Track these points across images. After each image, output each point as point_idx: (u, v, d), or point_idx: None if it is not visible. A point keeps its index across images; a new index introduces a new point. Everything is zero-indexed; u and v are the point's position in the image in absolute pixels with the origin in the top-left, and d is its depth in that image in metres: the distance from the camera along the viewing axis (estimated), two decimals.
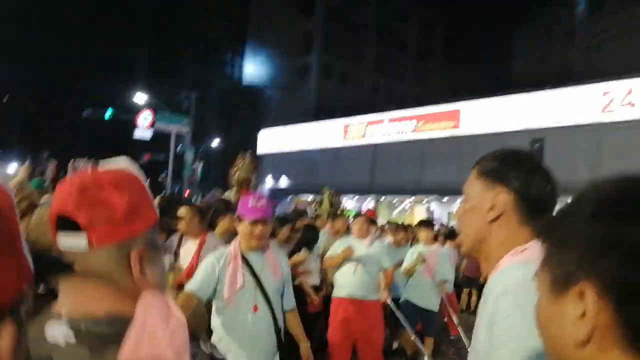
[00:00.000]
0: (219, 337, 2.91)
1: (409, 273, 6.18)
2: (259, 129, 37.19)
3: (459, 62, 67.72)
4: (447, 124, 24.13)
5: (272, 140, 34.40)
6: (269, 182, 33.95)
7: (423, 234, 6.47)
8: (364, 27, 56.03)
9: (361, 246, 5.24)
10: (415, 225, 7.62)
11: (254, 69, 57.60)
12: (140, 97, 24.95)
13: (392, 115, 27.37)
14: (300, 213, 7.85)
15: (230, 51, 61.07)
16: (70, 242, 0.89)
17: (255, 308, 2.93)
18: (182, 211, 4.61)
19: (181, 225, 4.55)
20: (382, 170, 27.04)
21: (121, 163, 1.02)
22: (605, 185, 0.62)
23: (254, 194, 3.56)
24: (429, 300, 6.16)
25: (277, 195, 31.72)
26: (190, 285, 2.92)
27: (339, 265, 5.22)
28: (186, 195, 26.36)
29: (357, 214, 8.30)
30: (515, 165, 1.29)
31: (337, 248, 5.37)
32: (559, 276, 0.61)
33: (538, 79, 43.07)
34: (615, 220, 0.57)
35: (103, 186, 0.92)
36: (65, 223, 0.89)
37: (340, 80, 54.59)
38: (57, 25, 55.43)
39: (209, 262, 3.00)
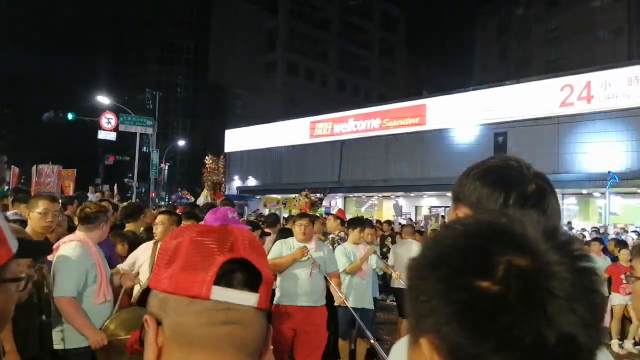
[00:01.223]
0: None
1: (351, 272, 5.94)
2: (225, 128, 36.93)
3: (421, 58, 68.67)
4: (412, 120, 24.47)
5: (238, 139, 34.22)
6: (236, 181, 33.80)
7: (351, 234, 6.25)
8: (328, 24, 56.22)
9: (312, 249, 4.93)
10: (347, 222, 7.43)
11: (218, 68, 57.10)
12: (103, 99, 24.51)
13: (359, 112, 27.60)
14: (277, 218, 7.83)
15: (194, 51, 60.34)
16: None
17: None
18: (161, 218, 4.55)
19: (158, 233, 4.51)
20: (349, 167, 27.24)
21: None
22: (435, 241, 0.58)
23: None
24: (362, 299, 6.00)
25: (245, 194, 31.62)
26: None
27: (284, 269, 4.87)
28: (153, 196, 26.01)
29: (328, 213, 8.36)
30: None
31: (278, 249, 4.99)
32: (411, 325, 0.58)
33: (498, 74, 44.03)
34: (442, 278, 0.53)
35: None
36: None
37: (306, 78, 54.66)
38: (17, 28, 53.89)
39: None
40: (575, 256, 0.52)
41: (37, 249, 1.19)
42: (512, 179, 1.08)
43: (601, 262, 7.95)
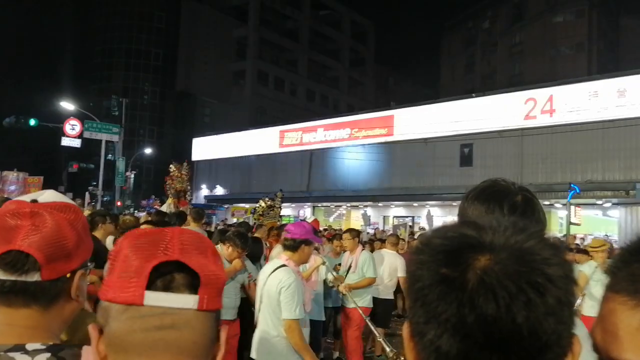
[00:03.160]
0: None
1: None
2: (192, 137, 36.56)
3: (389, 69, 69.53)
4: (380, 131, 24.72)
5: (206, 147, 33.93)
6: (204, 190, 33.45)
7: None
8: (298, 33, 56.42)
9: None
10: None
11: (186, 75, 56.60)
12: (67, 104, 23.96)
13: (328, 122, 27.73)
14: (248, 227, 7.75)
15: (162, 57, 59.65)
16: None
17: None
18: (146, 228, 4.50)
19: None
20: (318, 177, 27.30)
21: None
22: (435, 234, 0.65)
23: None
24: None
25: (213, 203, 31.31)
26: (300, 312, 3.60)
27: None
28: (118, 205, 25.49)
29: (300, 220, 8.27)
30: None
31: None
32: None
33: (464, 87, 44.95)
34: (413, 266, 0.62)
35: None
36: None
37: (275, 87, 54.64)
38: None
39: (296, 287, 3.61)
40: (524, 257, 0.57)
41: None
42: (502, 194, 1.34)
43: None
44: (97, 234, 5.37)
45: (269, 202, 9.91)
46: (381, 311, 7.33)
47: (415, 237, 14.37)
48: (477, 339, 0.54)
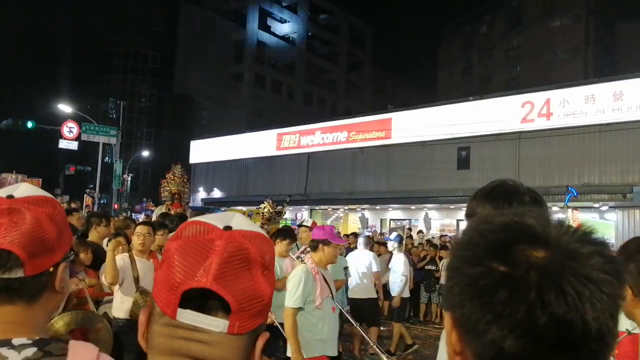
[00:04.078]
0: (312, 330, 3.94)
1: (277, 288, 5.71)
2: (190, 139, 36.53)
3: (387, 72, 69.64)
4: (378, 134, 24.74)
5: (204, 150, 33.90)
6: (201, 192, 33.41)
7: (278, 246, 5.66)
8: (295, 37, 56.53)
9: None
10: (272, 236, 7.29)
11: (184, 78, 56.58)
12: (65, 107, 23.94)
13: (326, 125, 27.74)
14: None
15: (160, 60, 59.60)
16: None
17: (333, 309, 4.10)
18: (141, 229, 4.49)
19: (140, 244, 4.42)
20: (316, 179, 27.30)
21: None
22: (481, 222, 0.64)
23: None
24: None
25: (210, 206, 31.27)
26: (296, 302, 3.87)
27: None
28: (115, 208, 25.45)
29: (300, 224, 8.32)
30: None
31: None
32: (444, 296, 0.65)
33: (462, 90, 45.04)
34: (455, 256, 0.62)
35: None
36: None
37: (272, 90, 54.67)
38: None
39: (302, 278, 3.91)
40: (590, 253, 0.56)
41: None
42: (511, 193, 1.35)
43: None
44: (92, 236, 5.36)
45: (278, 208, 9.76)
46: (368, 310, 7.40)
47: (414, 239, 14.39)
48: (548, 340, 0.53)
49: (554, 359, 0.53)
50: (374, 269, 7.77)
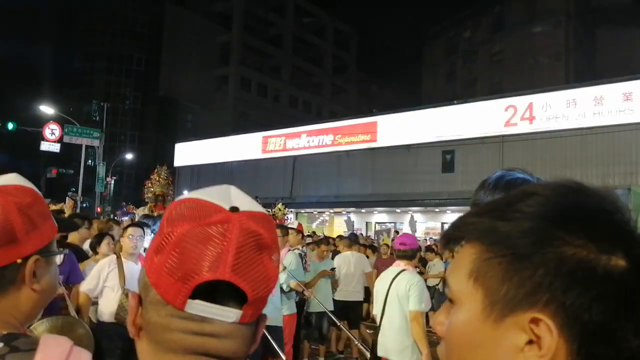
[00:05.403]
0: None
1: None
2: (175, 142, 36.31)
3: (372, 76, 69.95)
4: (364, 137, 24.82)
5: (189, 153, 33.72)
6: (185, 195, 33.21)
7: (292, 237, 6.23)
8: (281, 40, 56.51)
9: None
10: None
11: (169, 80, 56.25)
12: (47, 108, 23.66)
13: (312, 128, 27.77)
14: None
15: (144, 62, 59.17)
16: None
17: None
18: (134, 231, 4.44)
19: (132, 247, 4.34)
20: (301, 182, 27.29)
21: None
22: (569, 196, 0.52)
23: None
24: (270, 316, 5.55)
25: None
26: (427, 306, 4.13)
27: None
28: (98, 211, 25.19)
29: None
30: None
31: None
32: (502, 297, 0.50)
33: (446, 94, 45.41)
34: (587, 245, 0.48)
35: None
36: None
37: (258, 93, 54.59)
38: None
39: (425, 287, 4.22)
40: None
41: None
42: (521, 182, 1.27)
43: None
44: (73, 237, 5.30)
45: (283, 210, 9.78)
46: (352, 312, 7.50)
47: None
48: None
49: None
50: (367, 269, 7.86)
